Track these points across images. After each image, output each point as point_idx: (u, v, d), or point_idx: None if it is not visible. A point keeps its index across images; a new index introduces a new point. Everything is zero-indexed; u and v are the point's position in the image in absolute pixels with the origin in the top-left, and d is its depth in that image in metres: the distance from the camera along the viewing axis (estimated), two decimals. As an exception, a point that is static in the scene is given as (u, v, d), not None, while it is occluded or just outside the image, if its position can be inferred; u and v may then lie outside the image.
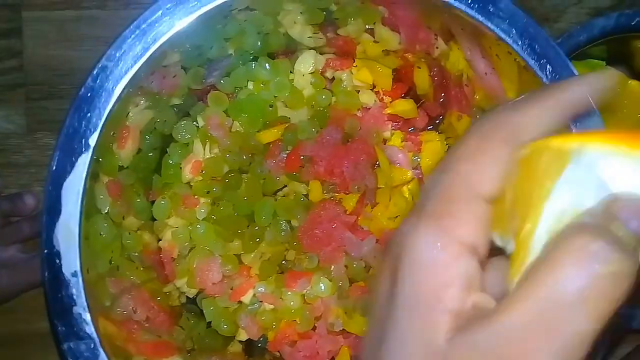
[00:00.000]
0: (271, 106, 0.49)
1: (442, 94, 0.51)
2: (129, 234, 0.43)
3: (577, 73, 0.34)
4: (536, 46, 0.35)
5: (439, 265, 0.20)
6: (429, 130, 0.53)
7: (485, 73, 0.41)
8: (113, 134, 0.40)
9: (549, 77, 0.34)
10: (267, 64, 0.48)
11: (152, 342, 0.42)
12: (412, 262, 0.21)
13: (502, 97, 0.43)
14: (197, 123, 0.48)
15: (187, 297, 0.49)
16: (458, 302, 0.20)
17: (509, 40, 0.34)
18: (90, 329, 0.31)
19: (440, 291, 0.20)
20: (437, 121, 0.53)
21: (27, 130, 0.55)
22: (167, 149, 0.48)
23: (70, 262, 0.31)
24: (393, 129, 0.53)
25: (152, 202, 0.47)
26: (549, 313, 0.18)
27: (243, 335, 0.48)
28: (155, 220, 0.47)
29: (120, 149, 0.42)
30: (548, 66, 0.34)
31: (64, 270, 0.31)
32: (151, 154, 0.46)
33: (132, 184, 0.44)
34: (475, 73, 0.42)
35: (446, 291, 0.20)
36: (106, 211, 0.40)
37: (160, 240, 0.48)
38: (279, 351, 0.48)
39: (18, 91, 0.54)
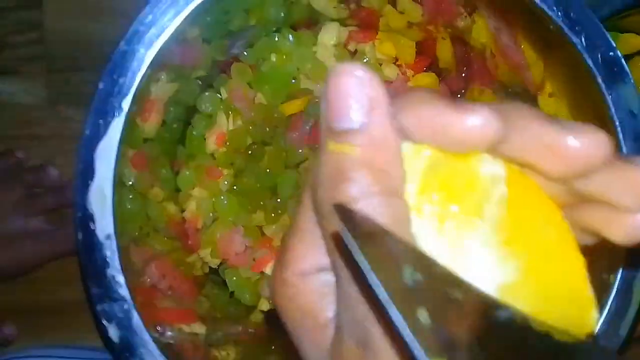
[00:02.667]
0: (294, 78, 0.48)
1: (464, 68, 0.50)
2: (153, 203, 0.43)
3: (610, 39, 0.34)
4: (571, 13, 0.34)
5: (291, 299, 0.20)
6: (451, 104, 0.53)
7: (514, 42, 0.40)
8: (137, 108, 0.40)
9: (584, 43, 0.34)
10: (290, 36, 0.48)
11: (174, 309, 0.42)
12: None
13: (525, 71, 0.43)
14: (221, 95, 0.48)
15: (210, 267, 0.49)
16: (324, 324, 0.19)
17: (544, 6, 0.34)
18: (124, 291, 0.32)
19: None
20: (459, 95, 0.53)
21: (48, 103, 0.55)
22: (191, 121, 0.48)
23: (104, 225, 0.31)
24: (415, 103, 0.52)
25: (177, 174, 0.47)
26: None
27: (265, 306, 0.48)
28: (180, 191, 0.48)
29: (143, 121, 0.42)
30: (583, 33, 0.34)
31: (97, 233, 0.31)
32: (175, 125, 0.46)
33: (157, 156, 0.44)
34: (499, 44, 0.42)
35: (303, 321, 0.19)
36: (131, 183, 0.40)
37: (184, 211, 0.48)
38: (300, 322, 0.49)
39: (39, 63, 0.54)
